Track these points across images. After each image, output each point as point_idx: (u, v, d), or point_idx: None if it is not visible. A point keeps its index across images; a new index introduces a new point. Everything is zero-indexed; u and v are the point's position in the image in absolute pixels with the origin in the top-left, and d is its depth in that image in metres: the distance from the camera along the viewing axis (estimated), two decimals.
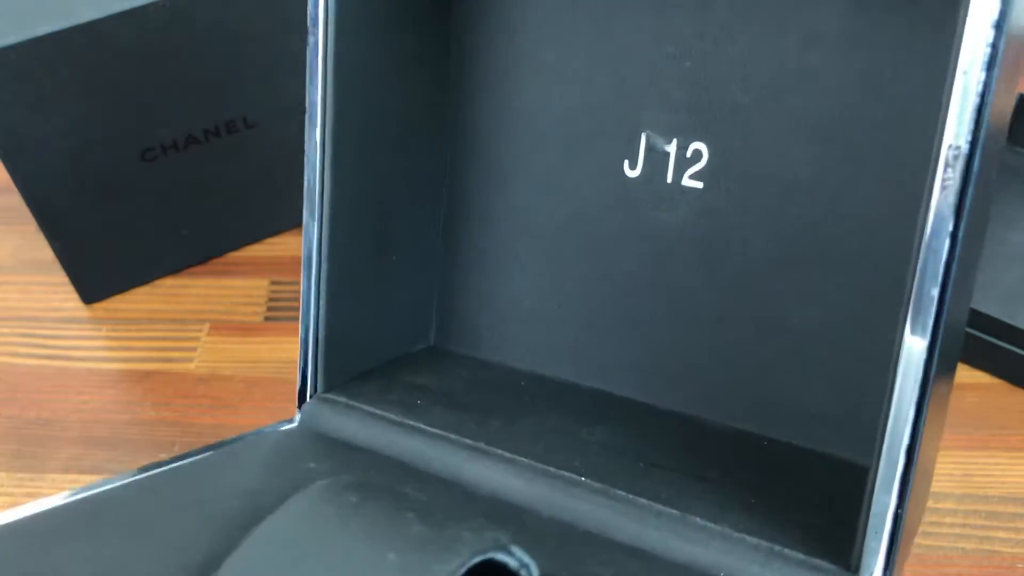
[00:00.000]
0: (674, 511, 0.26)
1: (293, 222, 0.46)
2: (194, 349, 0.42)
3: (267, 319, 0.43)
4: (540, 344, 0.33)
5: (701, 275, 0.30)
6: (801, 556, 0.24)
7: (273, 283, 0.45)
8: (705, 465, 0.28)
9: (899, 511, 0.23)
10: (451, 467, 0.28)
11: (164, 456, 0.32)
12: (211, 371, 0.41)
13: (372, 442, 0.29)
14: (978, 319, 0.37)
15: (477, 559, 0.19)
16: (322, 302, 0.30)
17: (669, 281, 0.31)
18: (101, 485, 0.26)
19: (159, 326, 0.43)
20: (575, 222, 0.32)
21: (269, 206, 0.46)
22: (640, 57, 0.29)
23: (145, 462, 0.28)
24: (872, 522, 0.23)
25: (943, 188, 0.21)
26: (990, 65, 0.20)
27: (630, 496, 0.26)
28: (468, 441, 0.28)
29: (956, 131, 0.21)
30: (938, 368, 0.22)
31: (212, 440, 0.29)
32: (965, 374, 0.38)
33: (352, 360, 0.31)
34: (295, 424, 0.30)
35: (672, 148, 0.30)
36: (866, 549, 0.23)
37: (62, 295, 0.45)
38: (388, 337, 0.33)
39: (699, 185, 0.29)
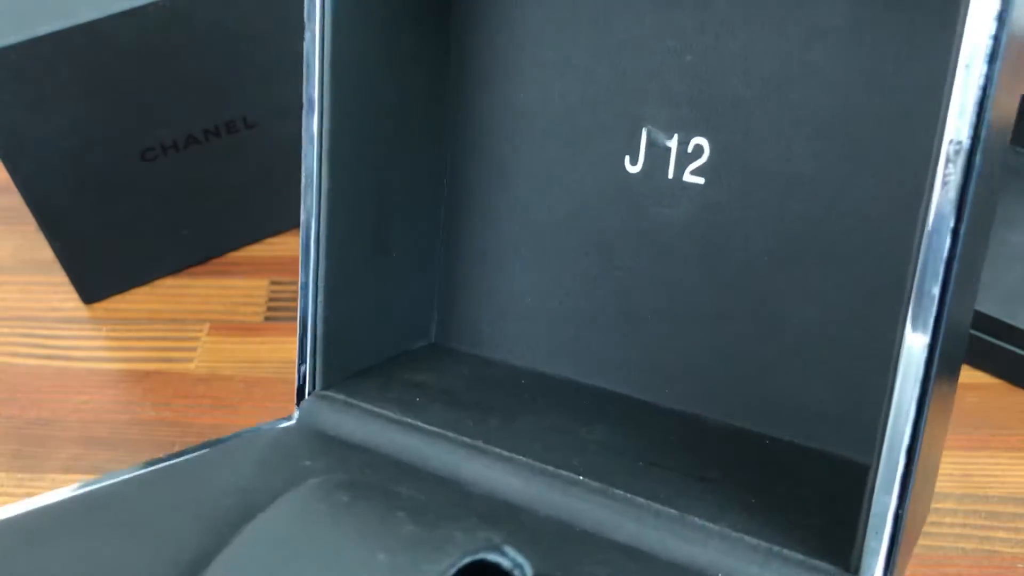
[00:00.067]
0: (672, 510, 0.25)
1: (293, 222, 0.46)
2: (194, 349, 0.42)
3: (267, 319, 0.43)
4: (541, 341, 0.33)
5: (702, 272, 0.30)
6: (800, 556, 0.24)
7: (273, 283, 0.45)
8: (705, 464, 0.28)
9: (900, 511, 0.23)
10: (448, 465, 0.28)
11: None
12: (211, 371, 0.41)
13: (369, 440, 0.29)
14: (978, 319, 0.37)
15: (468, 559, 0.19)
16: (320, 298, 0.29)
17: (670, 278, 0.30)
18: (94, 483, 0.25)
19: (159, 326, 0.43)
20: (576, 218, 0.32)
21: (269, 206, 0.46)
22: (641, 51, 0.29)
23: None
24: (872, 522, 0.23)
25: (944, 184, 0.21)
26: (992, 58, 0.20)
27: (628, 495, 0.26)
28: (466, 439, 0.28)
29: (957, 126, 0.20)
30: (940, 367, 0.22)
31: None
32: (965, 374, 0.38)
33: (351, 357, 0.31)
34: (293, 421, 0.30)
35: (673, 143, 0.29)
36: (866, 550, 0.23)
37: (62, 295, 0.45)
38: (388, 334, 0.33)
39: (700, 181, 0.29)
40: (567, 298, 0.32)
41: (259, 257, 0.46)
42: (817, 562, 0.24)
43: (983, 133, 0.20)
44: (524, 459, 0.27)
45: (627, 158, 0.30)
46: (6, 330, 0.43)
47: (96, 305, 0.44)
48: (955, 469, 0.35)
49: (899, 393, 0.22)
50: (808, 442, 0.29)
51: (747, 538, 0.24)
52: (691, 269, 0.30)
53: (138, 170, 0.42)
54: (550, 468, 0.27)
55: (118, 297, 0.45)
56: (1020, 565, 0.32)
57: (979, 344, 0.37)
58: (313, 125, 0.28)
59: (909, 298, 0.22)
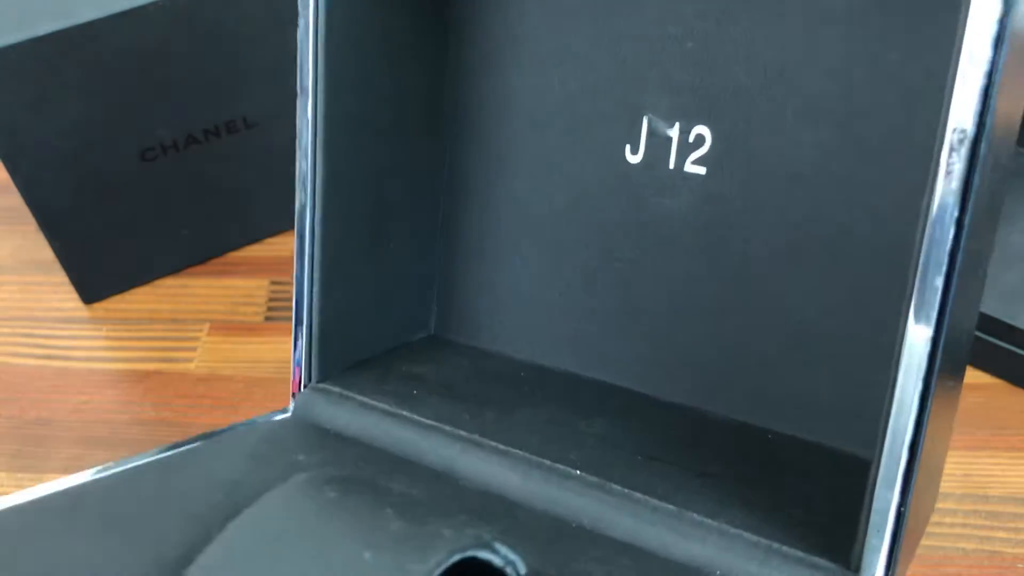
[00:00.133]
0: (671, 506, 0.25)
1: (293, 222, 0.46)
2: (194, 349, 0.42)
3: (267, 319, 0.43)
4: (540, 333, 0.32)
5: (703, 263, 0.29)
6: (800, 554, 0.23)
7: (273, 283, 0.45)
8: (705, 459, 0.27)
9: (902, 508, 0.22)
10: (444, 459, 0.27)
11: None
12: (211, 371, 0.41)
13: (364, 433, 0.28)
14: (978, 319, 0.36)
15: (456, 557, 0.18)
16: (315, 290, 0.29)
17: (671, 270, 0.30)
18: (84, 477, 0.25)
19: (159, 326, 0.43)
20: (576, 209, 0.31)
21: (269, 206, 0.46)
22: (641, 38, 0.29)
23: None
24: (874, 519, 0.22)
25: (947, 173, 0.20)
26: (998, 43, 0.19)
27: (626, 490, 0.25)
28: (462, 433, 0.28)
29: (962, 114, 0.20)
30: (943, 362, 0.22)
31: None
32: (966, 374, 0.38)
33: (348, 349, 0.31)
34: (288, 414, 0.29)
35: (674, 132, 0.29)
36: (867, 547, 0.23)
37: (62, 295, 0.45)
38: (386, 326, 0.33)
39: (702, 171, 0.29)
40: (567, 290, 0.32)
41: (259, 257, 0.46)
42: (817, 559, 0.23)
43: (988, 121, 0.20)
44: (521, 453, 0.27)
45: (627, 148, 0.30)
46: (6, 330, 0.43)
47: (96, 305, 0.44)
48: (955, 469, 0.35)
49: (901, 387, 0.22)
50: (810, 436, 0.29)
51: (746, 534, 0.24)
52: (692, 261, 0.30)
53: (138, 170, 0.42)
54: (547, 462, 0.26)
55: (118, 297, 0.45)
56: (1021, 565, 0.32)
57: (979, 344, 0.37)
58: (308, 113, 0.28)
59: (912, 290, 0.21)
